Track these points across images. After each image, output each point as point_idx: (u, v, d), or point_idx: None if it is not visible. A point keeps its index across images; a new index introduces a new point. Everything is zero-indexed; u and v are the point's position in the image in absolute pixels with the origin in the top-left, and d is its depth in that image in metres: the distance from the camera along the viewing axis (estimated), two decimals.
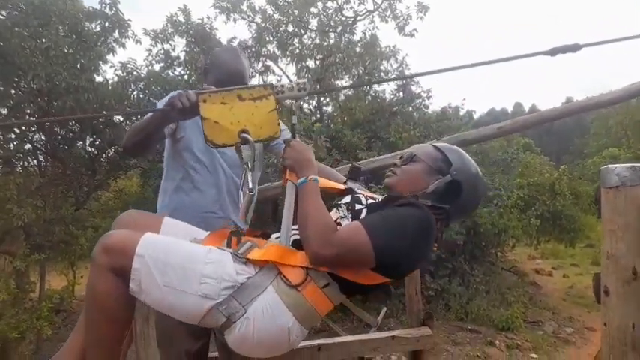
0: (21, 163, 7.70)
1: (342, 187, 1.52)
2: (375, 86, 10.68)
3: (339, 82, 10.64)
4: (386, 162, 2.15)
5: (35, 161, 7.78)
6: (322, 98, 10.79)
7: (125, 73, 7.24)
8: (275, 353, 1.31)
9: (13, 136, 7.15)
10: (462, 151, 1.48)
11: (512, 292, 8.66)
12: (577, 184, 10.70)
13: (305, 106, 10.88)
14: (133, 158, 7.13)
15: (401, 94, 10.21)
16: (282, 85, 1.38)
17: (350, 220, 1.29)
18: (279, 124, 1.39)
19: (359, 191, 1.47)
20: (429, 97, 10.26)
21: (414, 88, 10.26)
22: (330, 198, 1.47)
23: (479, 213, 8.23)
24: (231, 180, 1.97)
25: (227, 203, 1.94)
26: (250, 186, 1.37)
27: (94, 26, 6.85)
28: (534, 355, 6.60)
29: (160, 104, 1.82)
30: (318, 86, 9.99)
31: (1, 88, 6.55)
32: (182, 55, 8.73)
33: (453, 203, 1.38)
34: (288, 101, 1.42)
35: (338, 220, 1.30)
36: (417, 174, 1.41)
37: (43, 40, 6.05)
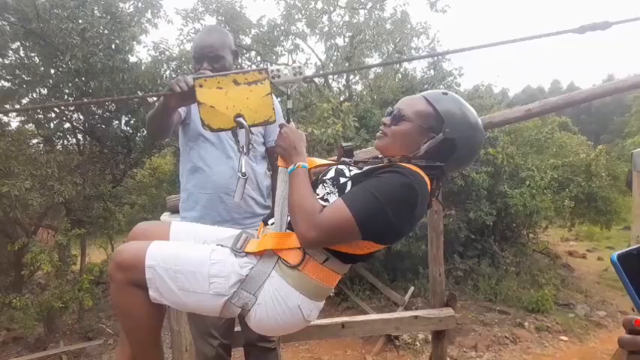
0: (61, 142, 7.98)
1: (333, 162, 1.48)
2: (405, 64, 10.49)
3: (368, 60, 10.49)
4: None
5: (74, 140, 8.04)
6: (351, 76, 10.68)
7: (158, 53, 7.34)
8: (294, 330, 1.38)
9: (53, 115, 7.39)
10: (457, 99, 1.37)
11: (543, 274, 8.54)
12: (615, 165, 10.34)
13: (334, 85, 10.81)
14: (158, 141, 7.38)
15: (432, 72, 10.01)
16: (277, 70, 1.38)
17: (337, 195, 1.28)
18: (273, 109, 1.39)
19: (346, 161, 1.43)
20: (460, 75, 10.04)
21: (445, 65, 10.04)
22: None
23: (510, 193, 8.11)
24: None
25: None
26: (243, 169, 1.40)
27: (127, 7, 6.94)
28: (565, 338, 6.54)
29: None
30: (347, 64, 9.90)
31: (42, 69, 6.77)
32: None
33: (448, 160, 1.32)
34: (282, 87, 1.43)
35: (325, 197, 1.30)
36: (407, 135, 1.33)
37: (80, 21, 6.18)
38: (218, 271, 1.27)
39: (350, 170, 1.34)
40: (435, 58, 9.79)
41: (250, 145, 1.41)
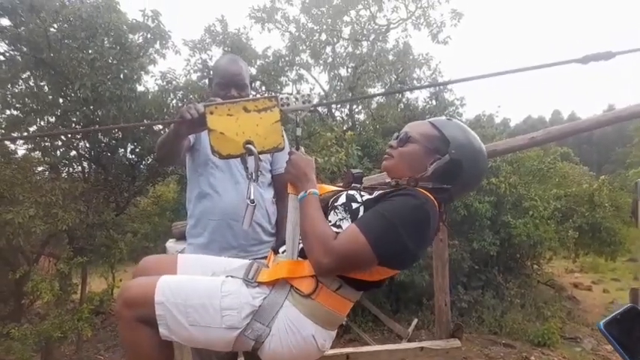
0: (66, 169, 8.02)
1: (343, 189, 1.48)
2: (407, 94, 10.64)
3: (371, 90, 10.66)
4: None
5: (80, 167, 8.08)
6: (354, 106, 10.82)
7: (165, 83, 7.47)
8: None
9: (60, 143, 7.46)
10: (462, 124, 1.41)
11: (548, 307, 8.42)
12: (618, 195, 10.30)
13: (337, 114, 10.94)
14: (165, 167, 7.49)
15: (434, 102, 10.13)
16: (287, 98, 1.40)
17: (349, 220, 1.28)
18: (283, 136, 1.41)
19: (356, 187, 1.44)
20: (462, 105, 10.15)
21: (447, 95, 10.16)
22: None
23: (513, 223, 8.08)
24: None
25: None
26: (252, 197, 1.40)
27: (136, 38, 7.10)
28: None
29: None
30: (350, 94, 10.04)
31: (50, 97, 6.87)
32: None
33: (455, 182, 1.33)
34: (291, 115, 1.44)
35: (337, 223, 1.29)
36: (413, 156, 1.36)
37: (90, 52, 6.31)
38: (230, 303, 1.25)
39: (361, 196, 1.34)
40: (437, 88, 9.93)
41: (259, 172, 1.41)
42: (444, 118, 1.43)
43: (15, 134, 6.94)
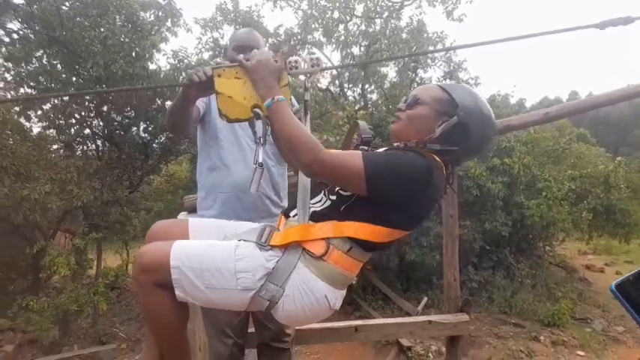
0: (81, 147, 8.14)
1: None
2: (421, 73, 10.49)
3: (383, 69, 10.53)
4: None
5: (93, 145, 8.20)
6: (367, 86, 10.72)
7: (176, 61, 7.46)
8: (320, 319, 1.40)
9: (74, 121, 7.55)
10: (470, 89, 1.42)
11: (559, 288, 8.38)
12: (634, 177, 10.14)
13: (349, 93, 10.86)
14: (176, 135, 7.55)
15: (448, 81, 9.98)
16: (295, 61, 1.39)
17: None
18: (291, 99, 1.41)
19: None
20: (477, 85, 10.00)
21: (461, 75, 10.01)
22: None
23: (526, 204, 8.01)
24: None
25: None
26: (260, 160, 1.40)
27: (148, 15, 7.09)
28: (581, 353, 6.39)
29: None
30: (362, 73, 9.93)
31: (64, 76, 6.94)
32: None
33: (461, 144, 1.34)
34: (301, 77, 1.43)
35: None
36: (422, 118, 1.36)
37: (102, 30, 6.33)
38: (244, 266, 1.28)
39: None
40: (451, 67, 9.77)
41: (268, 137, 1.42)
42: (453, 82, 1.45)
43: (31, 112, 7.06)
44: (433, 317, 2.25)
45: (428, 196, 1.26)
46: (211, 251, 1.32)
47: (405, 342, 6.25)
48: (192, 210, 2.13)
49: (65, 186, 6.31)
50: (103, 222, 7.23)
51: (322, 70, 1.42)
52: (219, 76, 1.37)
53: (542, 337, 6.76)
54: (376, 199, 1.24)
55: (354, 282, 1.44)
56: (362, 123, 1.50)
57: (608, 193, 9.02)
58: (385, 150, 1.33)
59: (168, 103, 7.56)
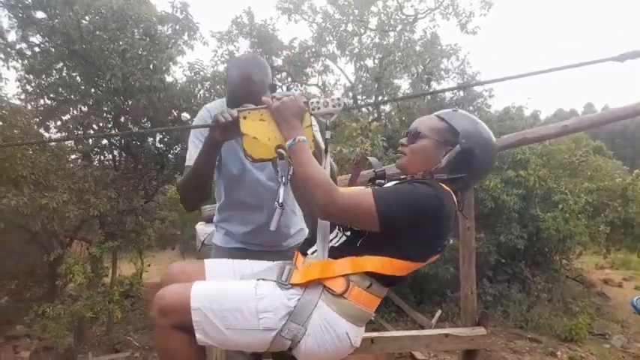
0: (98, 157, 8.29)
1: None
2: (435, 85, 10.51)
3: (397, 82, 10.57)
4: None
5: (110, 155, 8.33)
6: (380, 97, 10.75)
7: (192, 74, 7.58)
8: (342, 357, 1.39)
9: (92, 131, 7.70)
10: (467, 114, 1.44)
11: (577, 302, 8.24)
12: None
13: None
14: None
15: (461, 93, 9.98)
16: (317, 102, 1.42)
17: None
18: (313, 140, 1.43)
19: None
20: (490, 97, 9.99)
21: (475, 87, 9.99)
22: None
23: (542, 217, 7.91)
24: (272, 193, 1.90)
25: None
26: (281, 200, 1.41)
27: (165, 29, 7.23)
28: None
29: (198, 120, 1.87)
30: (376, 85, 9.97)
31: (83, 87, 7.09)
32: None
33: (468, 170, 1.36)
34: (321, 118, 1.46)
35: None
36: (425, 151, 1.38)
37: (120, 43, 6.47)
38: (266, 305, 1.27)
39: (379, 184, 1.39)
40: (465, 79, 9.77)
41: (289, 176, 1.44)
42: (449, 110, 1.47)
43: (50, 123, 7.22)
44: (450, 330, 2.23)
45: (441, 225, 1.27)
46: (231, 291, 1.32)
47: (419, 355, 6.18)
48: (210, 220, 2.15)
49: (82, 195, 6.41)
50: (118, 231, 7.31)
51: (344, 109, 1.45)
52: (244, 118, 1.41)
53: (559, 353, 6.63)
54: (390, 234, 1.25)
55: (372, 318, 1.44)
56: (372, 159, 1.56)
57: (625, 206, 8.86)
58: (394, 184, 1.34)
59: (184, 115, 7.68)
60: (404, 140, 1.45)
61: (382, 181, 1.44)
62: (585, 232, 8.25)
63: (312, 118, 1.44)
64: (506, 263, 8.24)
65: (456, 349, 2.33)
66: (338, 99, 1.44)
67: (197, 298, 1.27)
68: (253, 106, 1.48)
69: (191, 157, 1.74)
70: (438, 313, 7.15)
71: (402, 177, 1.48)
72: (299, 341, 1.27)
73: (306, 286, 1.31)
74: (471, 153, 1.34)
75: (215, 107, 1.84)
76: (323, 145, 1.48)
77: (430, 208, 1.23)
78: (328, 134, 1.47)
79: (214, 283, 1.40)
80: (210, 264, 1.54)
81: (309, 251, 1.40)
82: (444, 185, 1.30)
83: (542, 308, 7.79)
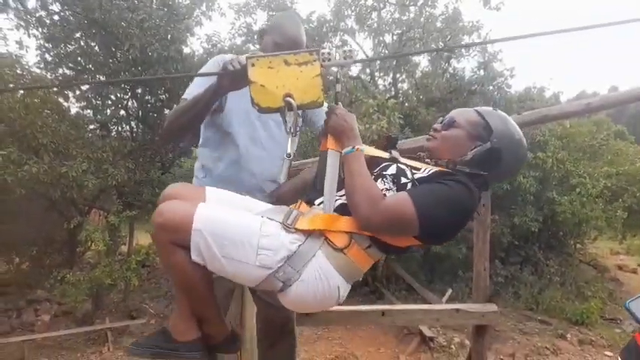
0: (116, 128, 8.37)
1: (387, 155, 1.50)
2: (454, 63, 10.28)
3: (416, 59, 10.37)
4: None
5: (128, 127, 8.41)
6: (398, 75, 10.58)
7: (210, 46, 7.55)
8: (325, 309, 1.44)
9: (110, 102, 7.76)
10: (506, 116, 1.44)
11: (589, 287, 8.21)
12: None
13: (380, 82, 10.75)
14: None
15: (482, 72, 9.75)
16: (328, 53, 1.39)
17: (395, 192, 1.32)
18: (322, 90, 1.40)
19: (402, 161, 1.45)
20: (512, 76, 9.71)
21: (496, 65, 9.76)
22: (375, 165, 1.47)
23: (558, 200, 7.82)
24: (273, 148, 1.92)
25: (270, 173, 1.91)
26: (289, 150, 1.42)
27: None
28: (609, 354, 6.26)
29: (205, 68, 1.84)
30: (394, 62, 9.81)
31: (101, 57, 7.12)
32: None
33: (491, 170, 1.38)
34: (334, 69, 1.44)
35: (383, 192, 1.32)
36: (456, 140, 1.40)
37: (139, 13, 6.46)
38: (268, 243, 1.29)
39: (412, 173, 1.38)
40: (486, 57, 9.53)
41: (298, 128, 1.43)
42: (490, 108, 1.47)
43: (69, 93, 7.27)
44: (461, 306, 2.22)
45: (467, 221, 1.32)
46: (236, 222, 1.33)
47: (427, 332, 6.25)
48: None
49: (101, 165, 6.52)
50: (135, 201, 7.44)
51: (355, 62, 1.43)
52: (252, 65, 1.38)
53: (569, 335, 6.64)
54: (424, 234, 1.27)
55: (360, 279, 1.46)
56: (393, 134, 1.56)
57: None
58: (429, 185, 1.31)
59: None
60: (438, 125, 1.47)
61: (397, 156, 1.45)
62: (602, 216, 8.15)
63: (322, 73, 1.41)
64: (519, 245, 8.20)
65: (467, 324, 2.32)
66: (350, 51, 1.42)
67: (200, 220, 1.28)
68: (261, 53, 1.46)
69: (191, 92, 1.72)
70: (449, 292, 7.18)
71: (421, 151, 1.48)
72: (290, 285, 1.29)
73: (309, 233, 1.33)
74: (498, 154, 1.36)
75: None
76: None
77: (468, 211, 1.29)
78: (339, 87, 1.47)
79: (222, 209, 1.38)
80: (212, 191, 1.51)
81: (317, 202, 1.42)
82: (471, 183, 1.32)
83: (554, 291, 7.77)
